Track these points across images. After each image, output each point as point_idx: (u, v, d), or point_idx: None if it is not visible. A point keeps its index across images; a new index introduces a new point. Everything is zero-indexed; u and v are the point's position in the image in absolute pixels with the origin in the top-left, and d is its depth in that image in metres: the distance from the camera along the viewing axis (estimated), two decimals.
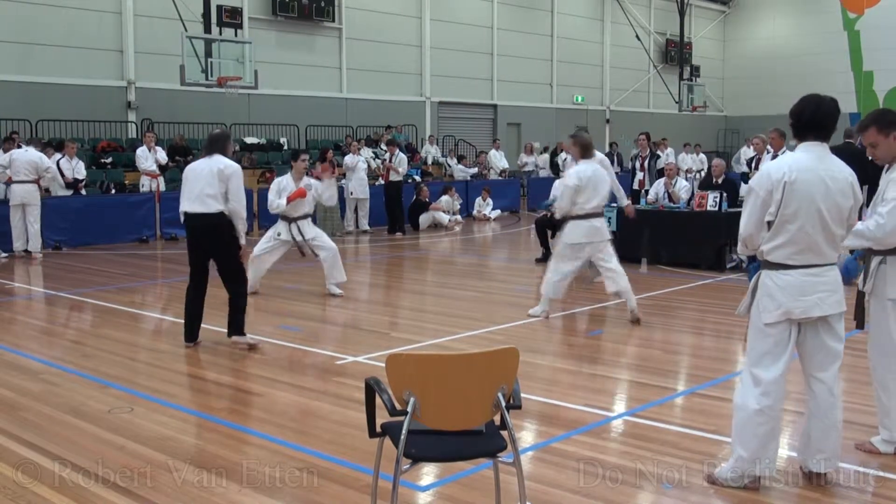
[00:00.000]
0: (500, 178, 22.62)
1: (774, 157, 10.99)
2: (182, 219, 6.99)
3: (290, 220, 9.28)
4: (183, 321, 7.14)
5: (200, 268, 7.03)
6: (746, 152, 15.08)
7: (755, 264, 4.15)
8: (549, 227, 12.34)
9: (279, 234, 9.32)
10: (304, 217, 9.31)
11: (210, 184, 6.74)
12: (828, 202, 3.86)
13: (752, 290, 4.08)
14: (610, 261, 8.05)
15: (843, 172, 3.95)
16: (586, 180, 7.83)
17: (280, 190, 9.23)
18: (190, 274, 7.07)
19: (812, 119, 3.94)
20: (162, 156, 16.26)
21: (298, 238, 9.26)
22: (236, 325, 7.04)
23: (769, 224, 3.93)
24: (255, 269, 9.23)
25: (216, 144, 6.97)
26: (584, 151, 7.99)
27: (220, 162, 6.84)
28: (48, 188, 14.14)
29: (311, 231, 9.40)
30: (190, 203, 6.83)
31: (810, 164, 3.88)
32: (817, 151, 3.93)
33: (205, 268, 7.05)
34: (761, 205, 3.92)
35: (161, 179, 16.00)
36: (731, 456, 4.11)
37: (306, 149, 21.71)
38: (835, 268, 3.99)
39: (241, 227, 6.95)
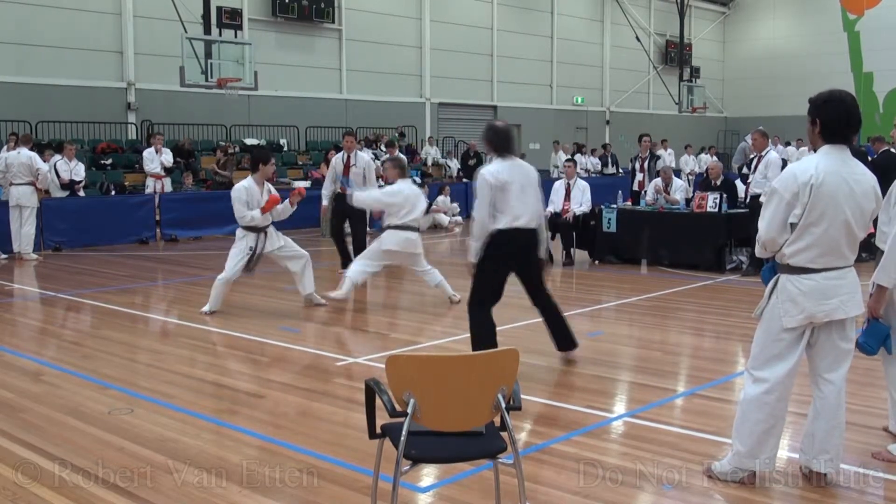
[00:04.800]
0: None
1: (759, 158, 10.92)
2: (493, 235, 6.10)
3: (258, 230, 8.52)
4: None
5: (503, 285, 6.35)
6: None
7: (769, 265, 4.12)
8: (548, 229, 12.33)
9: (251, 248, 8.48)
10: (269, 225, 8.64)
11: (538, 197, 6.21)
12: (852, 205, 3.83)
13: (770, 294, 4.04)
14: (422, 265, 9.21)
15: (866, 176, 3.93)
16: (404, 198, 8.91)
17: (248, 200, 8.37)
18: (492, 294, 6.29)
19: (845, 125, 3.89)
20: (168, 158, 16.30)
21: (268, 249, 8.60)
22: (570, 334, 6.54)
23: (791, 226, 3.87)
24: (223, 290, 8.59)
25: (510, 142, 6.27)
26: (402, 172, 9.29)
27: (531, 168, 6.30)
28: (47, 190, 14.15)
29: (280, 240, 8.76)
30: (525, 218, 6.11)
31: (835, 167, 3.84)
32: (840, 154, 3.89)
33: None
34: (786, 207, 3.86)
35: (165, 181, 16.05)
36: (730, 451, 4.14)
37: (306, 150, 21.89)
38: (853, 269, 3.98)
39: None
